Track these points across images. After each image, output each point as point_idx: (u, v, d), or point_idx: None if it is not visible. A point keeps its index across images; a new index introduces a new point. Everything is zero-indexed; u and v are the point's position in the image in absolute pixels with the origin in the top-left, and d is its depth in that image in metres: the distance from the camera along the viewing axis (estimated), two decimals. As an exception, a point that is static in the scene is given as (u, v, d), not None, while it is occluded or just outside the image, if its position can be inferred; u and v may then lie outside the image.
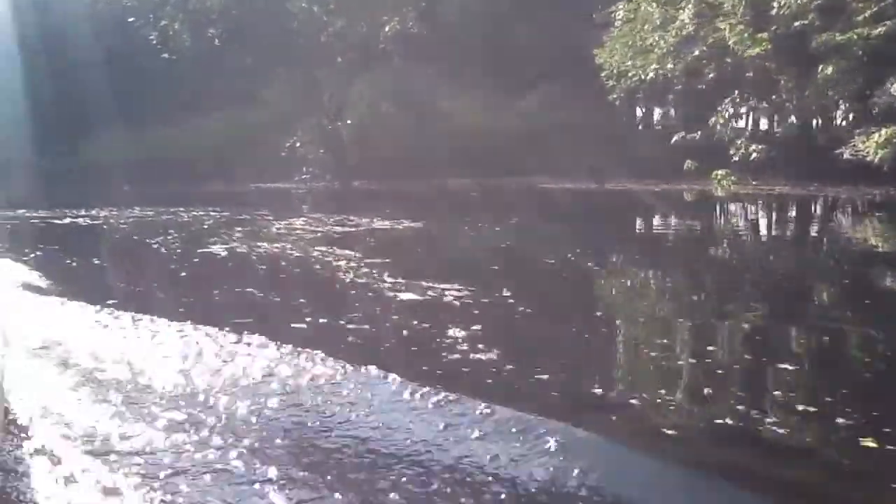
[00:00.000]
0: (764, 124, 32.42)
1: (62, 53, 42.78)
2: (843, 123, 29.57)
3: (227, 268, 9.45)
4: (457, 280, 7.67)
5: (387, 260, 9.35)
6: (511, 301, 6.96)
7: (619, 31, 34.60)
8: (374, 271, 8.42)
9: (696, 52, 30.45)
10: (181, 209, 19.11)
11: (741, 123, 32.70)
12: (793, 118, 30.04)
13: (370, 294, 7.24)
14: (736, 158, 29.38)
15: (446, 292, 7.11)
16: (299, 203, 22.76)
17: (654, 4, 31.34)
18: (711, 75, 31.61)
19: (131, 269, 9.09)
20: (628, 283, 9.01)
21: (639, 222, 17.80)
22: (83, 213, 18.81)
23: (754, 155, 28.75)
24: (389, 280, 7.83)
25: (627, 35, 33.67)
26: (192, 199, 24.35)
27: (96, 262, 10.01)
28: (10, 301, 6.75)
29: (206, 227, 14.76)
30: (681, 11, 31.51)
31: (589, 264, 9.82)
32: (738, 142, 30.87)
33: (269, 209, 18.68)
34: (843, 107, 29.60)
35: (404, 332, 5.75)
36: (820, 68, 24.84)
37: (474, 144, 34.03)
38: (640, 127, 40.13)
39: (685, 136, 32.98)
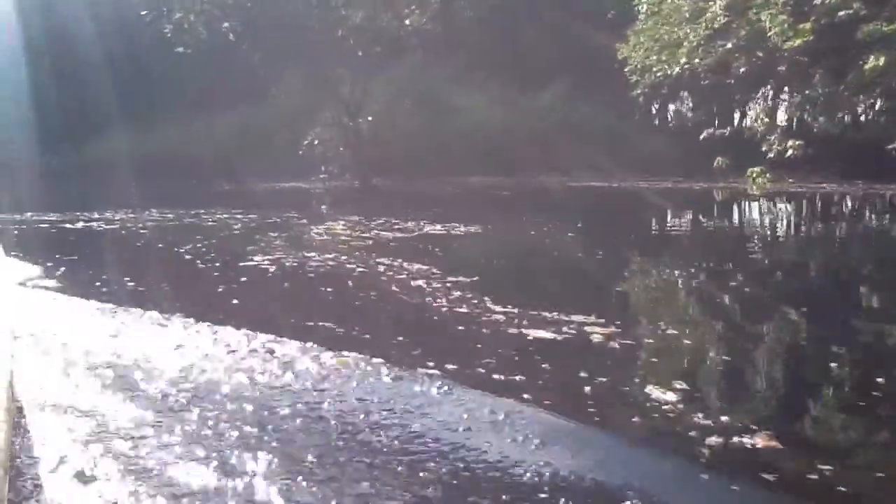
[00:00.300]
0: (794, 119, 30.75)
1: (67, 51, 41.08)
2: (883, 119, 27.90)
3: (284, 289, 7.70)
4: (583, 307, 6.01)
5: (474, 278, 7.60)
6: (686, 341, 5.32)
7: (642, 25, 32.96)
8: (467, 294, 6.72)
9: (729, 45, 28.80)
10: (201, 211, 17.42)
11: (772, 119, 31.03)
12: (830, 113, 28.33)
13: (486, 330, 5.52)
14: (771, 155, 27.77)
15: (584, 327, 5.43)
16: (327, 204, 20.99)
17: (683, -4, 29.46)
18: (742, 69, 29.96)
19: (171, 290, 7.32)
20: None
21: (710, 223, 16.07)
22: (96, 216, 17.09)
23: (791, 151, 27.12)
24: (497, 308, 6.12)
25: (652, 29, 32.02)
26: (208, 199, 22.65)
27: (129, 282, 8.12)
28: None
29: (237, 233, 13.04)
30: (711, 3, 29.90)
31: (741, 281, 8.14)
32: (771, 138, 29.28)
33: (297, 211, 16.99)
34: (881, 101, 27.91)
35: (586, 389, 4.09)
36: (870, 60, 23.18)
37: (491, 142, 32.35)
38: (656, 122, 38.29)
39: (714, 132, 31.34)
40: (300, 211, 17.05)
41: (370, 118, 25.70)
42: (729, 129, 31.45)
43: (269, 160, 32.07)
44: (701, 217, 17.15)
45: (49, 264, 8.99)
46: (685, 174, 28.89)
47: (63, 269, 8.78)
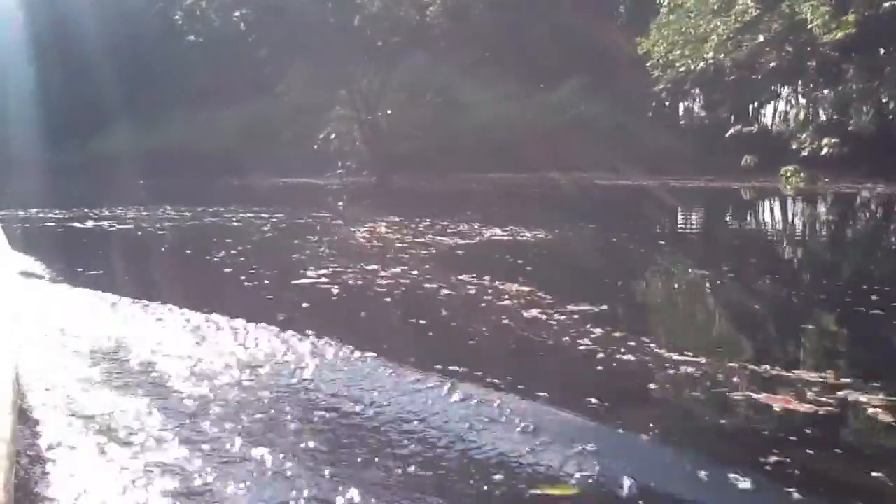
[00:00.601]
0: (827, 116, 29.10)
1: (72, 46, 39.23)
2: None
3: (364, 321, 5.90)
4: (788, 354, 4.32)
5: (601, 307, 5.82)
6: None
7: (665, 19, 31.33)
8: (614, 332, 4.95)
9: (761, 39, 27.18)
10: (220, 208, 15.66)
11: (801, 115, 29.40)
12: (865, 108, 26.68)
13: (696, 392, 3.81)
14: (804, 153, 26.22)
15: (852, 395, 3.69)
16: (353, 202, 19.14)
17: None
18: (772, 64, 28.34)
19: (225, 320, 5.51)
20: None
21: (776, 225, 14.35)
22: (106, 213, 15.34)
23: (826, 150, 25.57)
24: (675, 356, 4.37)
25: (676, 23, 30.38)
26: (222, 196, 20.90)
27: (167, 306, 6.18)
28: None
29: (269, 236, 11.27)
30: (741, -6, 28.28)
31: None
32: (802, 136, 27.70)
33: (326, 210, 15.22)
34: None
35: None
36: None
37: (505, 138, 30.62)
38: (681, 121, 36.53)
39: (741, 129, 29.73)
40: (329, 210, 15.27)
41: (389, 111, 23.84)
42: (756, 126, 29.79)
43: (280, 155, 30.27)
44: (778, 223, 15.31)
45: (58, 275, 7.21)
46: (714, 173, 27.30)
47: (74, 282, 6.94)
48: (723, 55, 28.82)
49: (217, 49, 30.16)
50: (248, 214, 14.21)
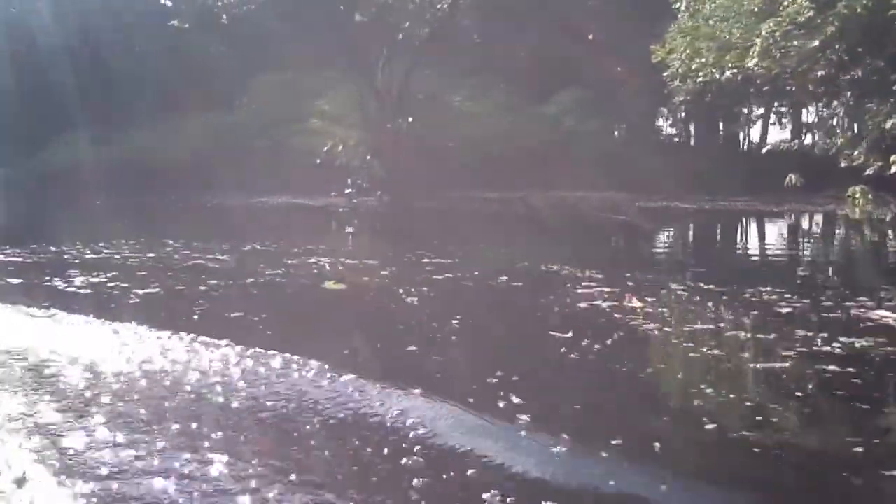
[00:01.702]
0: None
1: (22, 50, 33.03)
2: None
3: None
4: None
5: None
6: None
7: (686, 24, 26.72)
8: None
9: (816, 43, 22.77)
10: (200, 243, 10.15)
11: (849, 128, 25.06)
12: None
13: None
14: (869, 171, 21.88)
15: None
16: (406, 239, 12.97)
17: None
18: (821, 73, 23.98)
19: None
20: None
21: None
22: (67, 253, 9.68)
23: (895, 168, 21.24)
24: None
25: (698, 29, 25.83)
26: (198, 221, 15.45)
27: None
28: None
29: (336, 311, 5.91)
30: (786, -3, 23.90)
31: None
32: (855, 152, 23.38)
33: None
34: None
35: None
36: None
37: (508, 156, 25.54)
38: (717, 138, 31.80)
39: (780, 145, 25.20)
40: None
41: (410, 119, 18.36)
42: (797, 141, 25.33)
43: (258, 170, 24.52)
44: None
45: None
46: (756, 192, 22.89)
47: None
48: (763, 63, 24.27)
49: (190, 47, 24.71)
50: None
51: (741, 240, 13.95)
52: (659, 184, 23.89)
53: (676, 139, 33.08)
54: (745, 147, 29.77)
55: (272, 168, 23.88)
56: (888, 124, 22.77)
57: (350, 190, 18.33)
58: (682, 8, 26.42)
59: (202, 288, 6.75)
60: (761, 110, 29.28)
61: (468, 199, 18.95)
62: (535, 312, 5.68)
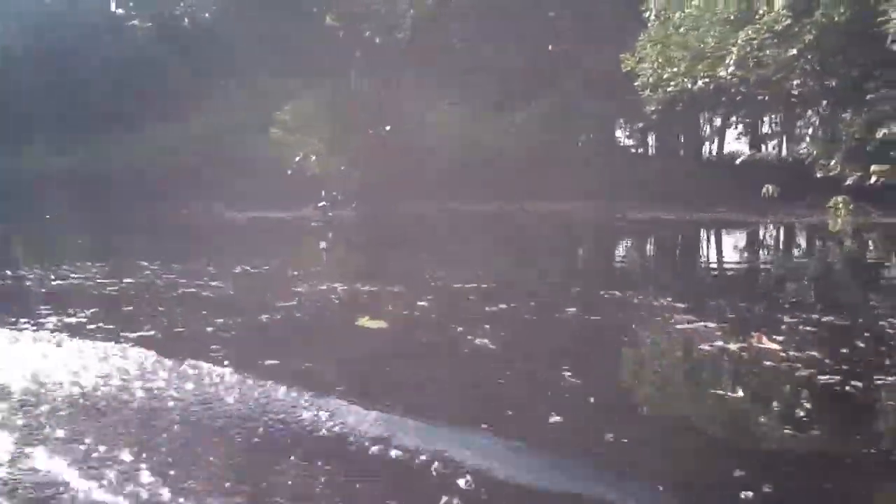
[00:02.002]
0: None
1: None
2: None
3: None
4: None
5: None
6: None
7: (653, 34, 26.14)
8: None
9: (794, 52, 22.38)
10: (208, 266, 8.78)
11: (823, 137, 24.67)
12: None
13: None
14: (849, 182, 21.47)
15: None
16: (417, 255, 11.54)
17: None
18: (797, 81, 23.60)
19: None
20: None
21: None
22: (28, 278, 8.19)
23: (874, 179, 20.84)
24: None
25: (669, 38, 25.31)
26: (167, 239, 13.93)
27: None
28: None
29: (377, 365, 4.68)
30: (762, 4, 23.55)
31: None
32: (830, 162, 22.97)
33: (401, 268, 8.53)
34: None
35: None
36: None
37: (478, 166, 24.46)
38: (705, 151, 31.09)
39: (755, 155, 24.72)
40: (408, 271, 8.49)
41: (388, 127, 17.15)
42: (775, 152, 24.86)
43: (225, 182, 22.94)
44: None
45: None
46: (725, 204, 22.34)
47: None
48: (738, 72, 23.84)
49: (149, 56, 22.97)
50: (271, 287, 7.37)
51: (804, 256, 12.33)
52: (636, 194, 23.21)
53: (633, 150, 32.56)
54: (707, 157, 29.32)
55: (241, 179, 22.31)
56: (862, 133, 22.44)
57: (324, 203, 16.98)
58: (652, 17, 25.81)
59: (209, 329, 5.39)
60: (718, 121, 29.00)
61: (450, 210, 17.81)
62: (659, 360, 4.49)
